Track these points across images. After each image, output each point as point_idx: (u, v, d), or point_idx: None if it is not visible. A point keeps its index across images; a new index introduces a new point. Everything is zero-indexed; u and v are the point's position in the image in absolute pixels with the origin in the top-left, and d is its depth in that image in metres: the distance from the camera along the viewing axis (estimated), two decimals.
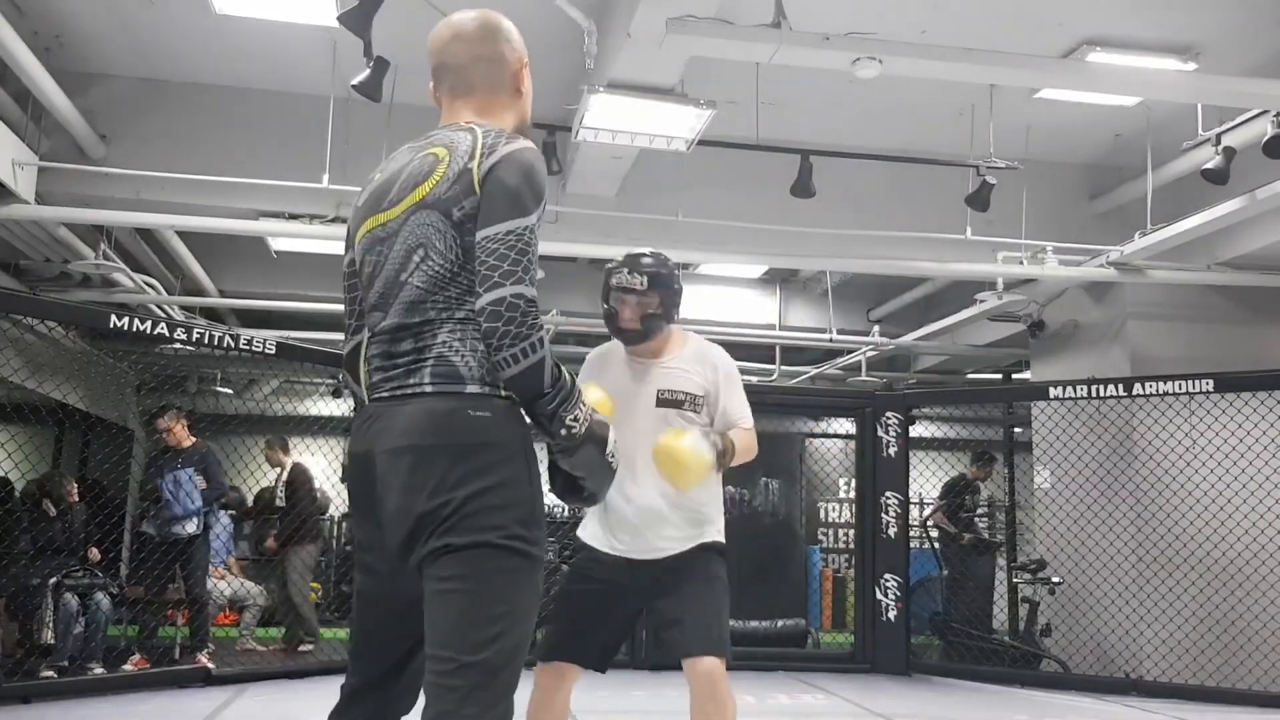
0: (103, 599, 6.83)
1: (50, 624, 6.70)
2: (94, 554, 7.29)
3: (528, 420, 2.04)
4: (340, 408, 12.27)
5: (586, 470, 2.09)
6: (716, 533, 3.13)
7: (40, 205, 6.87)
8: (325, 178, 6.70)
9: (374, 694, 2.18)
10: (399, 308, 2.06)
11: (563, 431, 2.00)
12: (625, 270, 3.11)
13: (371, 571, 2.14)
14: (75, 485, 7.53)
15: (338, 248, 9.41)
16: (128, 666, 6.81)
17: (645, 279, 3.08)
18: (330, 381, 12.08)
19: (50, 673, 6.31)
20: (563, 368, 2.02)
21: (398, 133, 7.24)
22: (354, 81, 5.49)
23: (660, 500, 3.01)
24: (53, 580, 6.76)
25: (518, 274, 1.94)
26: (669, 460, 2.83)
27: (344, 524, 11.56)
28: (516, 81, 2.25)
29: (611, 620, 3.15)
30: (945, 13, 6.23)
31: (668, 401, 3.07)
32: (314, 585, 9.34)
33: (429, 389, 2.01)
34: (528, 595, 1.99)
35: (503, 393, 2.01)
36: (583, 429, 2.02)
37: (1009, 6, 6.22)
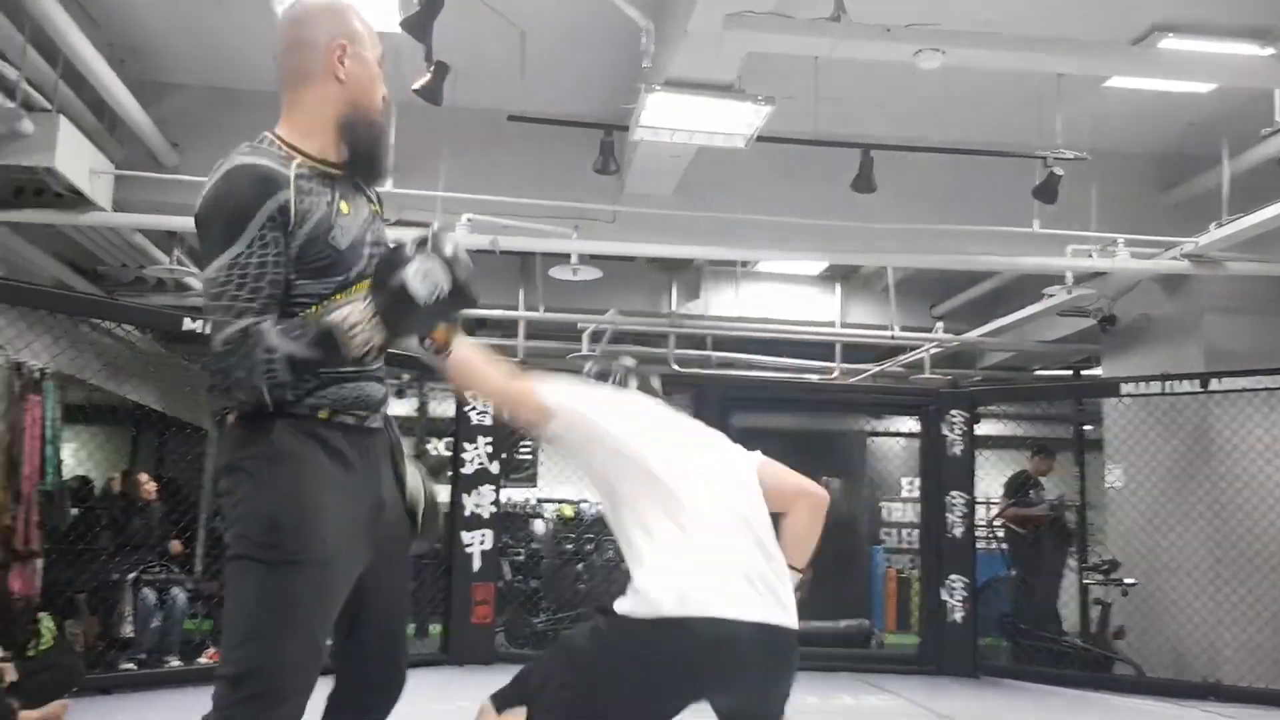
0: (179, 594, 7.01)
1: (129, 618, 6.89)
2: (176, 546, 7.48)
3: (310, 420, 2.05)
4: (405, 407, 12.43)
5: (402, 328, 2.09)
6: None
7: (116, 212, 7.06)
8: (388, 182, 6.80)
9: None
10: None
11: (360, 357, 2.05)
12: None
13: None
14: (154, 483, 7.72)
15: None
16: (203, 659, 6.97)
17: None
18: (395, 382, 12.25)
19: (129, 665, 6.50)
20: (305, 324, 2.01)
21: (458, 136, 7.35)
22: (415, 86, 5.57)
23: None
24: (131, 575, 6.94)
25: (220, 319, 1.97)
26: None
27: None
28: (330, 68, 2.12)
29: None
30: (1009, 2, 6.14)
31: None
32: None
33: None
34: (266, 599, 1.97)
35: (270, 406, 2.01)
36: (374, 332, 2.00)
37: None
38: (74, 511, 7.21)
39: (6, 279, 5.99)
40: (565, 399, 2.49)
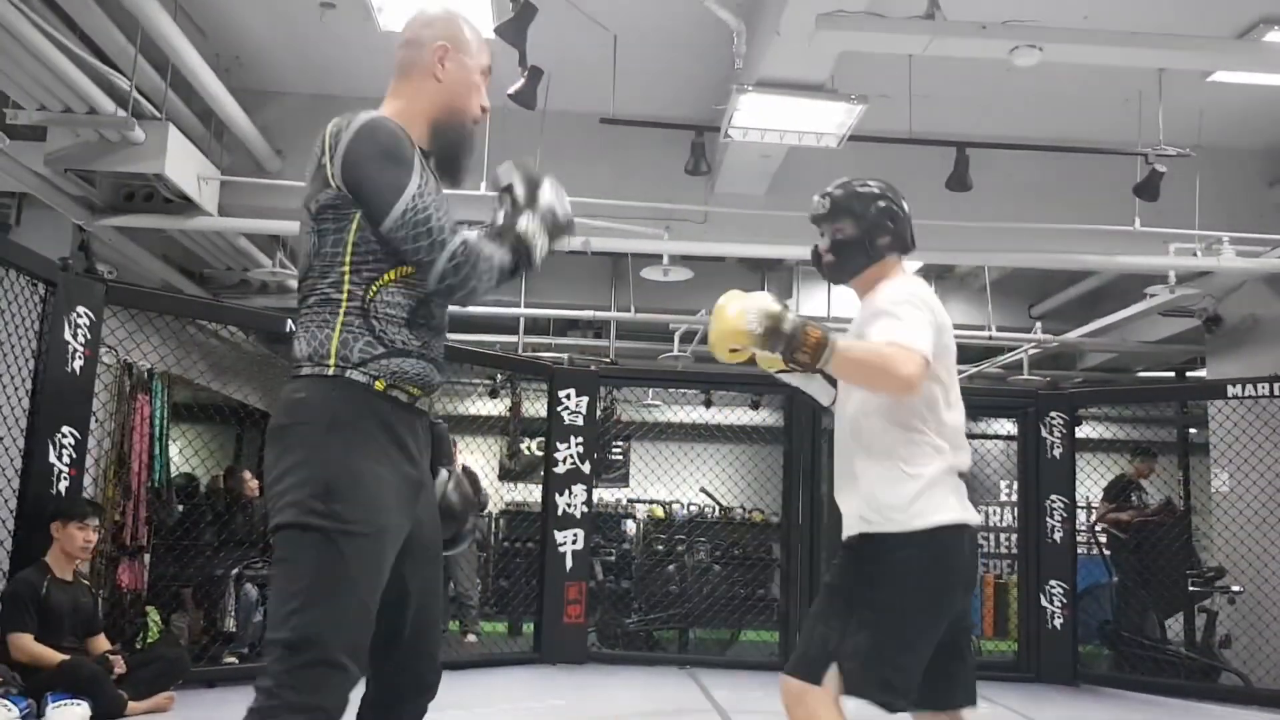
0: None
1: (232, 612, 7.09)
2: None
3: (366, 390, 2.10)
4: (497, 407, 12.61)
5: (561, 240, 2.26)
6: (882, 517, 2.52)
7: (222, 217, 7.29)
8: (483, 185, 6.90)
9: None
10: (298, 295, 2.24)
11: (549, 251, 2.22)
12: (814, 198, 2.77)
13: None
14: (256, 480, 7.95)
15: None
16: None
17: (828, 201, 2.72)
18: (488, 382, 12.43)
19: (232, 659, 6.69)
20: (489, 240, 2.16)
21: (552, 139, 7.42)
22: (510, 90, 5.65)
23: (842, 470, 2.68)
24: (235, 571, 7.15)
25: (438, 242, 2.09)
26: (715, 314, 2.43)
27: (501, 522, 11.87)
28: (431, 67, 2.28)
29: None
30: None
31: None
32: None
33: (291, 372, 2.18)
34: (325, 568, 1.98)
35: (330, 370, 2.08)
36: (544, 237, 2.19)
37: None
38: (180, 508, 7.46)
39: (118, 281, 6.21)
40: (927, 341, 2.48)
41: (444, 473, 2.32)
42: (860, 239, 2.67)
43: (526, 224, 2.17)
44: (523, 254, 2.16)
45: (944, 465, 2.56)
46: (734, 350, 2.42)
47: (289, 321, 6.63)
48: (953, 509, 2.52)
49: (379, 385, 2.10)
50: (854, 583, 2.54)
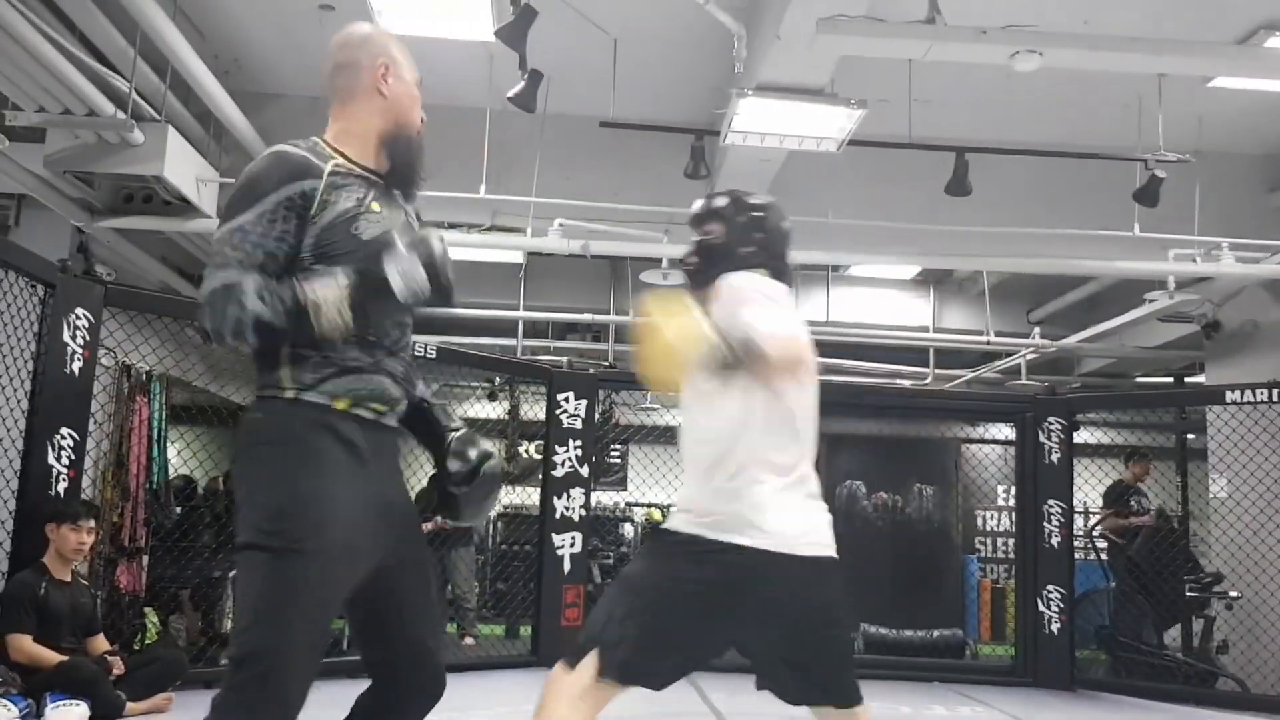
0: None
1: (230, 614, 7.08)
2: None
3: (324, 410, 2.13)
4: (496, 410, 12.60)
5: (383, 315, 2.21)
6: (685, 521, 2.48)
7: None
8: (482, 187, 6.91)
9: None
10: None
11: (339, 336, 2.13)
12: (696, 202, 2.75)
13: None
14: None
15: (495, 255, 9.75)
16: None
17: (702, 205, 2.71)
18: (486, 385, 12.42)
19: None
20: (293, 289, 2.09)
21: (551, 142, 7.44)
22: (510, 93, 5.65)
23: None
24: (233, 573, 7.14)
25: (208, 273, 2.10)
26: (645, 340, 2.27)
27: (499, 525, 11.87)
28: (375, 84, 2.31)
29: None
30: (1108, 1, 6.01)
31: None
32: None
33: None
34: (272, 587, 2.04)
35: (287, 392, 2.13)
36: (340, 313, 2.09)
37: None
38: (178, 510, 7.45)
39: (116, 283, 6.20)
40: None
41: (452, 441, 2.35)
42: (727, 247, 2.63)
43: (324, 292, 2.10)
44: (300, 319, 2.08)
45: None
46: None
47: None
48: None
49: (340, 405, 2.14)
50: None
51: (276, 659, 2.00)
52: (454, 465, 2.32)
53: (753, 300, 2.44)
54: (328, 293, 2.09)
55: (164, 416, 7.05)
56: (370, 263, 2.13)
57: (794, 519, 2.43)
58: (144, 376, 6.64)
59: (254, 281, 2.07)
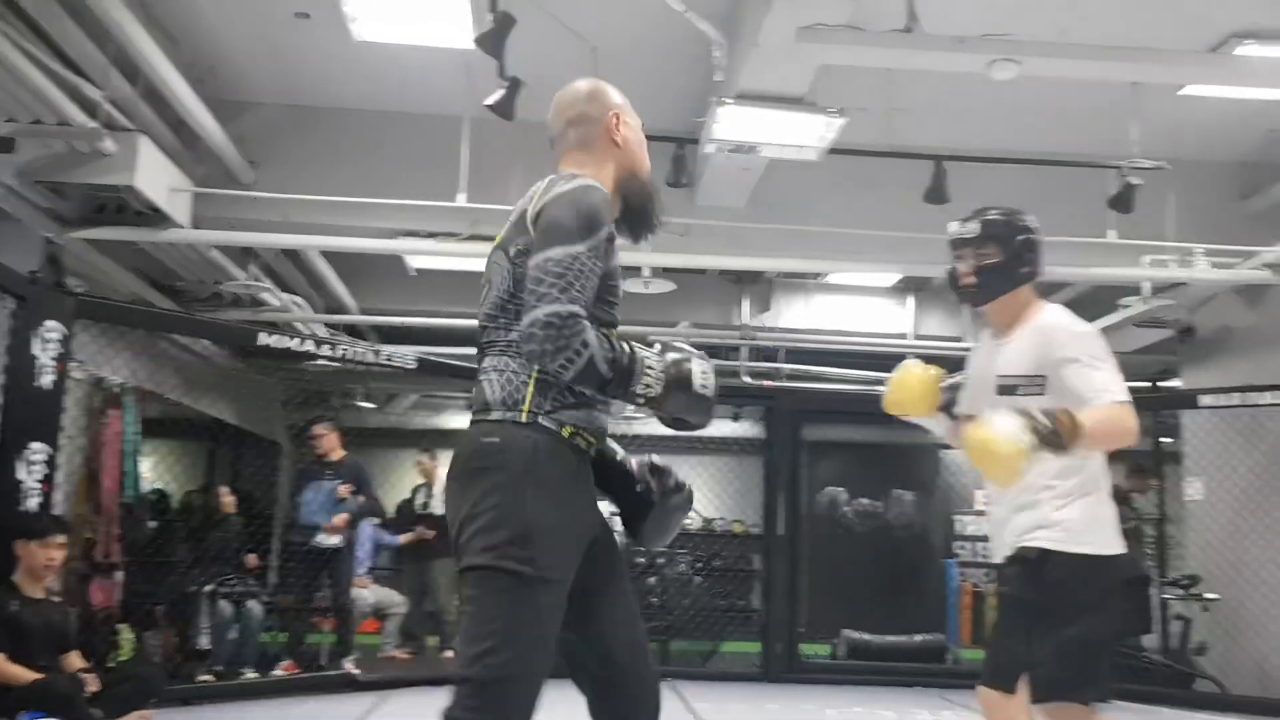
0: (255, 606, 7.11)
1: (206, 630, 7.00)
2: (252, 561, 7.60)
3: (556, 438, 2.17)
4: (460, 421, 12.52)
5: (682, 412, 2.25)
6: (1047, 535, 2.72)
7: (195, 229, 7.20)
8: (461, 196, 6.86)
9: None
10: (478, 333, 2.30)
11: (639, 400, 2.18)
12: (960, 221, 2.97)
13: None
14: (231, 496, 7.85)
15: (473, 265, 9.66)
16: (278, 671, 7.07)
17: (978, 225, 2.92)
18: (466, 395, 12.35)
19: (207, 677, 6.61)
20: (621, 345, 2.17)
21: (530, 150, 7.32)
22: (488, 101, 5.61)
23: (1003, 498, 2.84)
24: (208, 588, 7.06)
25: (553, 295, 2.07)
26: (976, 453, 2.55)
27: None
28: (609, 134, 2.43)
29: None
30: (1084, 10, 6.04)
31: (1004, 388, 2.83)
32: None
33: (471, 415, 2.24)
34: (519, 613, 2.07)
35: (524, 416, 2.16)
36: (659, 387, 2.18)
37: (1151, 1, 6.00)
38: (152, 524, 7.36)
39: (88, 295, 6.12)
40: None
41: (633, 461, 2.41)
42: (1008, 268, 2.87)
43: (652, 364, 2.20)
44: (622, 378, 2.15)
45: (1105, 496, 2.83)
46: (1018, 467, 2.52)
47: (261, 334, 6.56)
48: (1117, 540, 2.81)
49: (565, 432, 2.19)
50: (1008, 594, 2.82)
51: (519, 685, 2.08)
52: (648, 486, 2.38)
53: (1085, 362, 2.72)
54: (654, 366, 2.20)
55: (137, 430, 6.97)
56: (680, 357, 2.24)
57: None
58: (117, 389, 6.57)
59: (593, 329, 2.12)
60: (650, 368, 2.18)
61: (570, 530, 2.17)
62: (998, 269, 2.87)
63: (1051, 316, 2.88)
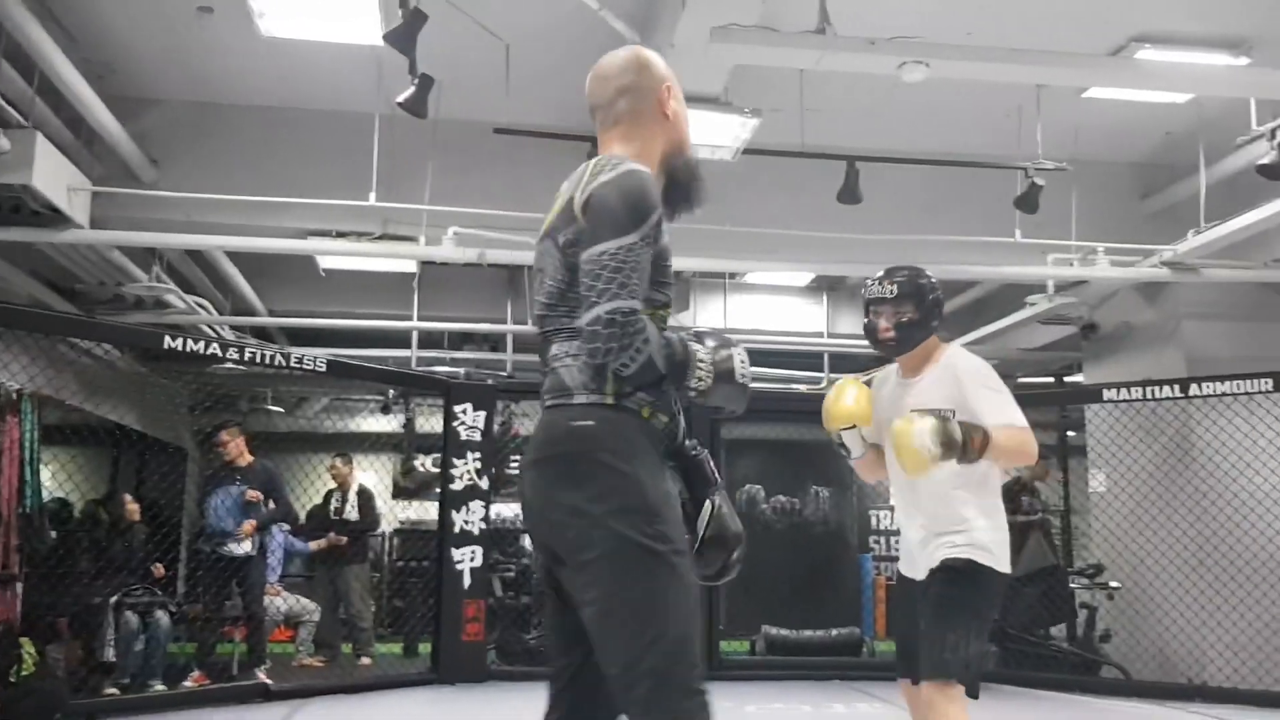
0: (162, 616, 6.92)
1: (111, 642, 6.79)
2: (159, 570, 7.39)
3: (639, 417, 2.15)
4: (389, 424, 12.36)
5: (724, 401, 2.23)
6: (957, 548, 3.09)
7: (94, 230, 6.98)
8: (372, 195, 6.76)
9: (561, 701, 2.26)
10: (535, 321, 2.29)
11: (692, 392, 2.18)
12: (877, 282, 3.27)
13: (546, 578, 2.27)
14: (136, 505, 7.63)
15: (385, 264, 9.53)
16: (188, 683, 6.89)
17: (895, 287, 3.23)
18: (379, 398, 12.18)
19: (113, 690, 6.40)
20: (675, 339, 2.17)
21: (443, 148, 7.32)
22: (399, 98, 5.54)
23: (921, 522, 3.18)
24: (113, 599, 6.85)
25: (612, 290, 2.04)
26: (895, 443, 2.93)
27: (395, 540, 11.65)
28: (660, 107, 2.33)
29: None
30: (991, 14, 6.18)
31: None
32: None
33: (548, 401, 2.19)
34: (672, 590, 2.04)
35: (609, 398, 2.13)
36: (709, 379, 2.17)
37: (1055, 6, 6.16)
38: (53, 534, 7.11)
39: None
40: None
41: (715, 497, 2.31)
42: (922, 322, 3.22)
43: (703, 356, 2.18)
44: (678, 371, 2.15)
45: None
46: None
47: (166, 337, 6.38)
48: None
49: (645, 413, 2.16)
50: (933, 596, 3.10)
51: (694, 665, 2.04)
52: (708, 530, 2.29)
53: (990, 388, 3.13)
54: (705, 359, 2.17)
55: (36, 437, 6.73)
56: (721, 344, 2.22)
57: None
58: (14, 395, 6.33)
59: (652, 324, 2.11)
60: (701, 361, 2.18)
61: (677, 502, 2.18)
62: (914, 324, 3.22)
63: (957, 357, 3.26)
